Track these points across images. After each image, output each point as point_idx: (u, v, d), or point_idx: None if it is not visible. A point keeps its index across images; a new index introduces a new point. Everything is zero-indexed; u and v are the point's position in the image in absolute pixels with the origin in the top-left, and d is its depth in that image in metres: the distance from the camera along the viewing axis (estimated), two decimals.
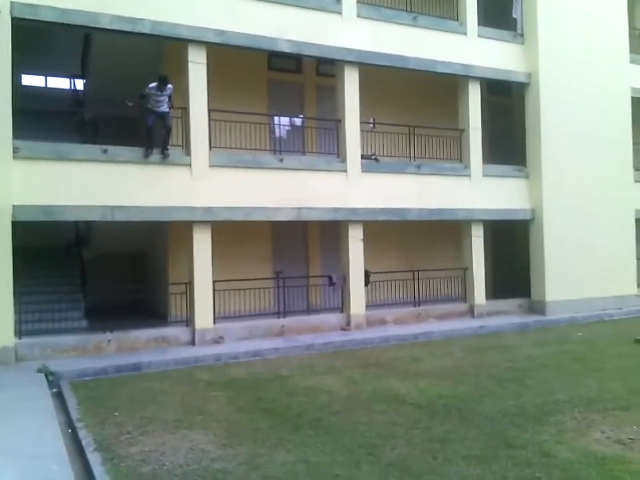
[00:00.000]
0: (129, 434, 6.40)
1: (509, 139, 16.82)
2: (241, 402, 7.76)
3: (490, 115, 16.52)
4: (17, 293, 10.21)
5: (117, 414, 7.18)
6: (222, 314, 12.35)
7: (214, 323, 12.03)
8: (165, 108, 11.45)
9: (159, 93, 11.23)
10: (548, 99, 15.77)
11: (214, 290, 12.04)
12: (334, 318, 13.51)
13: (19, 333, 10.35)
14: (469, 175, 15.12)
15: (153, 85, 11.21)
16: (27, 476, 5.09)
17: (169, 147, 11.58)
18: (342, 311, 13.67)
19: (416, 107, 15.56)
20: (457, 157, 15.30)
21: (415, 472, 5.13)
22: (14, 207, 10.14)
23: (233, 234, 13.17)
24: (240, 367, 10.12)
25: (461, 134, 15.30)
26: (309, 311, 14.09)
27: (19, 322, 10.36)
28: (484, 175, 15.31)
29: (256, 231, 13.73)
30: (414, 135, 14.76)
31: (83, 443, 6.11)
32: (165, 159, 11.51)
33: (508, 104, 17.41)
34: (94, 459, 5.62)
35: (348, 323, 13.42)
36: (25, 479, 5.01)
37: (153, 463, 5.50)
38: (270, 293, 13.38)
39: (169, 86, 11.34)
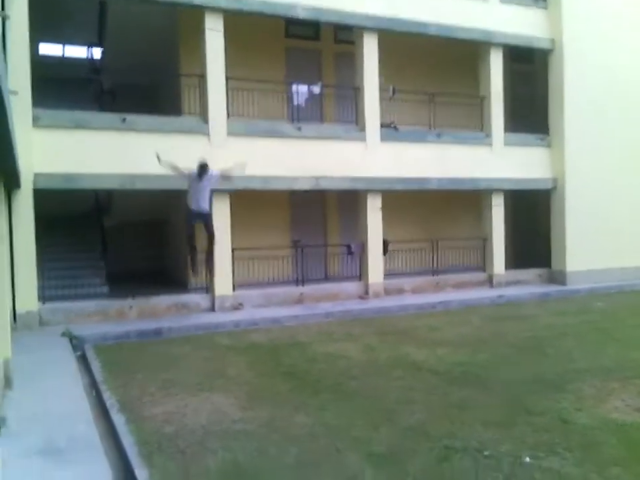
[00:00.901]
0: (151, 396, 6.53)
1: (531, 107, 16.49)
2: (261, 367, 7.86)
3: (512, 82, 16.18)
4: (39, 260, 10.38)
5: (139, 376, 7.33)
6: (241, 281, 12.45)
7: (233, 290, 12.13)
8: (205, 205, 10.15)
9: (199, 179, 10.06)
10: (572, 66, 15.37)
11: (233, 258, 12.12)
12: (352, 286, 13.55)
13: (43, 299, 10.55)
14: (490, 144, 14.89)
15: (194, 170, 10.04)
16: (53, 435, 5.22)
17: (214, 267, 10.63)
18: (360, 280, 13.70)
19: (436, 74, 15.29)
20: (477, 126, 15.05)
21: (433, 436, 5.18)
22: (35, 174, 10.23)
23: (251, 203, 13.18)
24: (259, 333, 10.23)
25: (482, 102, 15.03)
26: (327, 279, 14.14)
27: (42, 288, 10.54)
28: (505, 144, 15.06)
29: (274, 199, 13.72)
30: (434, 102, 14.54)
31: (107, 404, 6.25)
32: (211, 282, 11.26)
33: (530, 71, 17.03)
34: (118, 419, 5.74)
35: (366, 292, 13.46)
36: (52, 438, 5.13)
37: (176, 423, 5.61)
38: (288, 262, 13.43)
39: (213, 172, 10.10)
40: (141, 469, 4.55)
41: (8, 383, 6.58)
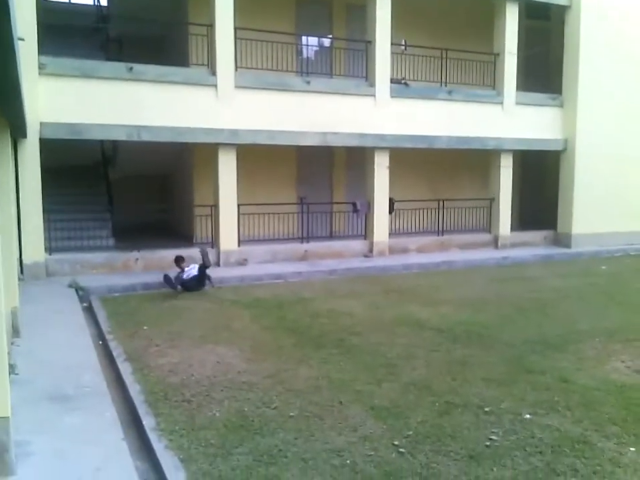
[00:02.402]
0: (157, 346, 6.63)
1: (545, 65, 16.12)
2: (265, 321, 7.95)
3: (526, 40, 15.80)
4: (46, 211, 10.38)
5: (145, 328, 7.42)
6: (246, 237, 12.47)
7: (238, 245, 12.16)
8: (194, 273, 10.01)
9: (182, 272, 10.04)
10: (589, 24, 14.94)
11: (238, 213, 12.10)
12: (357, 244, 13.56)
13: (49, 250, 10.60)
14: (501, 103, 14.63)
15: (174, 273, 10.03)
16: (61, 383, 5.32)
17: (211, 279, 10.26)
18: (365, 238, 13.70)
19: (449, 29, 14.93)
20: (489, 83, 14.77)
21: (434, 391, 5.26)
22: (41, 124, 10.13)
23: (258, 158, 13.08)
24: (263, 289, 10.30)
25: (495, 59, 14.69)
26: (332, 237, 14.15)
27: (48, 239, 10.59)
28: (517, 103, 14.80)
29: (280, 155, 13.60)
30: (446, 58, 14.22)
31: (114, 354, 6.35)
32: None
33: (546, 28, 16.59)
34: (124, 368, 5.85)
35: (371, 250, 13.47)
36: (59, 387, 5.24)
37: (181, 373, 5.71)
38: (293, 218, 13.41)
39: (189, 266, 10.12)
40: (147, 416, 4.65)
41: (16, 331, 6.67)
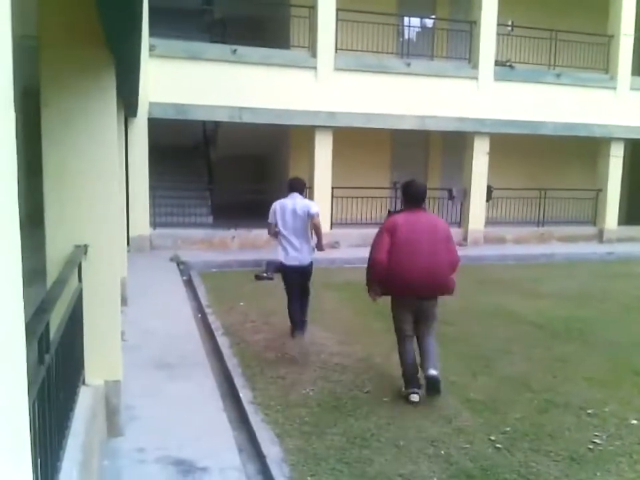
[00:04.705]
0: (252, 322, 6.82)
1: None
2: (355, 304, 7.94)
3: None
4: (151, 188, 10.91)
5: (241, 304, 7.67)
6: (338, 220, 12.51)
7: (330, 228, 12.24)
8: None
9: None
10: None
11: (332, 196, 12.16)
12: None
13: (154, 224, 11.15)
14: (614, 87, 13.72)
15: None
16: (164, 352, 5.61)
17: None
18: (460, 226, 13.37)
19: (559, 9, 14.08)
20: (601, 67, 13.87)
21: (533, 388, 5.06)
22: (150, 104, 10.62)
23: (353, 140, 13.03)
24: (354, 272, 10.22)
25: (609, 41, 13.76)
26: None
27: (153, 214, 11.13)
28: (631, 88, 13.83)
29: (376, 138, 13.49)
30: (555, 40, 13.48)
31: (213, 327, 6.60)
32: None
33: None
34: (222, 341, 6.06)
35: (465, 239, 13.15)
36: (163, 355, 5.52)
37: (276, 350, 5.84)
38: (386, 203, 13.29)
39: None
40: (244, 389, 4.80)
41: (124, 300, 7.07)
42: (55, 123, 3.37)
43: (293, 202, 5.90)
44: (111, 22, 2.84)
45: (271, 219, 6.00)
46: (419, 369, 4.73)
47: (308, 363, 5.46)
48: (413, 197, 4.86)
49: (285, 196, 6.02)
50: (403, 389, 4.76)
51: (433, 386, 4.58)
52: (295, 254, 5.86)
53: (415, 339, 4.84)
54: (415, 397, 4.62)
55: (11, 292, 1.19)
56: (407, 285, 4.61)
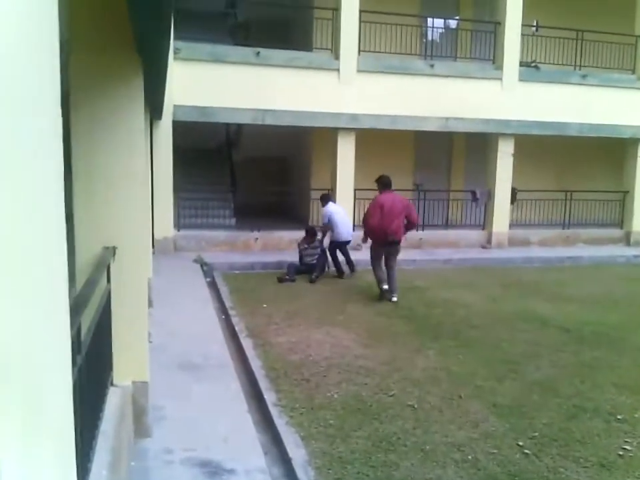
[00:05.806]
0: (276, 325, 6.83)
1: None
2: (379, 307, 7.93)
3: None
4: (175, 189, 11.00)
5: (265, 306, 7.68)
6: (361, 222, 12.43)
7: (353, 230, 12.17)
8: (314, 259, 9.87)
9: (306, 246, 9.96)
10: None
11: (355, 197, 12.13)
12: (474, 234, 13.15)
13: (178, 226, 11.24)
14: None
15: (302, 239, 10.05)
16: (190, 353, 5.64)
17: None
18: (483, 228, 13.25)
19: (585, 9, 13.87)
20: (628, 67, 13.63)
21: (561, 393, 4.99)
22: (175, 106, 10.71)
23: (375, 142, 12.98)
24: None
25: (636, 41, 13.52)
26: (447, 225, 13.81)
27: (177, 216, 11.22)
28: None
29: (398, 140, 13.42)
30: (581, 40, 13.29)
31: (236, 328, 6.62)
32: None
33: None
34: (246, 343, 6.08)
35: (489, 241, 13.02)
36: (188, 356, 5.55)
37: (300, 353, 5.84)
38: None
39: (319, 237, 10.08)
40: (268, 391, 4.81)
41: (149, 301, 7.13)
42: (85, 126, 3.41)
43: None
44: (141, 25, 2.86)
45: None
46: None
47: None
48: (387, 184, 8.16)
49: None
50: (380, 286, 8.15)
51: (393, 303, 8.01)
52: None
53: (383, 265, 8.18)
54: (395, 298, 8.10)
55: (59, 294, 1.19)
56: (384, 236, 7.93)
